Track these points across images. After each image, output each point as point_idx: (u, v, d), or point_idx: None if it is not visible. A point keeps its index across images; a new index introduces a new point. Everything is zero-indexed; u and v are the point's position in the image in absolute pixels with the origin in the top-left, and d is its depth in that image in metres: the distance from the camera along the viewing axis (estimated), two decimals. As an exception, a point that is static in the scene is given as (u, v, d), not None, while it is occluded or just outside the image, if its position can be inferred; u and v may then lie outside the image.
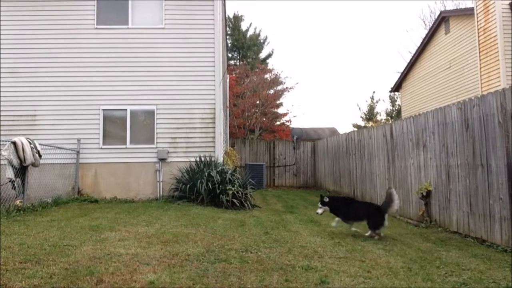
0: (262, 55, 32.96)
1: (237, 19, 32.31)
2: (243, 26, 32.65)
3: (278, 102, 25.69)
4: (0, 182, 7.10)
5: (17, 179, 7.32)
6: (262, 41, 33.03)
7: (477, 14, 11.82)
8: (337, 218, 6.08)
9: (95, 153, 9.95)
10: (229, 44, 30.69)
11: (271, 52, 33.20)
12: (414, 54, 17.12)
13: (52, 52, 10.12)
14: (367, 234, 5.77)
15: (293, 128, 20.30)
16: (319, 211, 6.10)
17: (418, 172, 7.68)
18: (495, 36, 11.03)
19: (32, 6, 10.21)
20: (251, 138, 19.89)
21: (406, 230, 6.74)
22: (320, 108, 50.32)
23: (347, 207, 6.06)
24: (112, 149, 10.03)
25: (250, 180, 9.92)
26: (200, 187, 8.65)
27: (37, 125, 9.90)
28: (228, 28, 29.72)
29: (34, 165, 7.67)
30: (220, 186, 8.73)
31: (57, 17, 10.25)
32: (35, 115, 9.96)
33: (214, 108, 10.20)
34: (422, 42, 16.43)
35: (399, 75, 18.87)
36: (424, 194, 7.23)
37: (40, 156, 7.83)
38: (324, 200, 6.05)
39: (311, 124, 43.76)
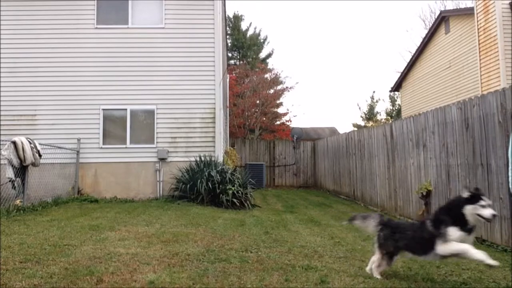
0: (262, 54, 32.94)
1: (237, 19, 32.28)
2: (243, 25, 32.64)
3: (278, 101, 25.67)
4: (0, 182, 7.10)
5: (17, 178, 7.31)
6: (262, 40, 33.01)
7: (477, 14, 11.82)
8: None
9: (95, 152, 9.95)
10: (229, 44, 30.66)
11: (271, 52, 33.20)
12: (414, 54, 17.11)
13: (52, 52, 10.12)
14: None
15: (293, 127, 20.30)
16: None
17: (418, 172, 7.68)
18: (495, 36, 11.03)
19: (32, 6, 10.21)
20: (251, 138, 19.88)
21: (406, 230, 6.74)
22: (320, 108, 50.37)
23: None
24: (112, 149, 10.02)
25: (250, 179, 9.91)
26: (200, 187, 8.65)
27: (37, 125, 9.89)
28: (228, 28, 29.68)
29: (34, 164, 7.66)
30: (220, 186, 8.73)
31: (57, 17, 10.24)
32: (35, 115, 9.95)
33: (214, 108, 10.20)
34: (422, 42, 16.43)
35: (399, 75, 18.86)
36: (424, 193, 7.23)
37: (40, 155, 7.82)
38: None
39: (311, 124, 43.79)
